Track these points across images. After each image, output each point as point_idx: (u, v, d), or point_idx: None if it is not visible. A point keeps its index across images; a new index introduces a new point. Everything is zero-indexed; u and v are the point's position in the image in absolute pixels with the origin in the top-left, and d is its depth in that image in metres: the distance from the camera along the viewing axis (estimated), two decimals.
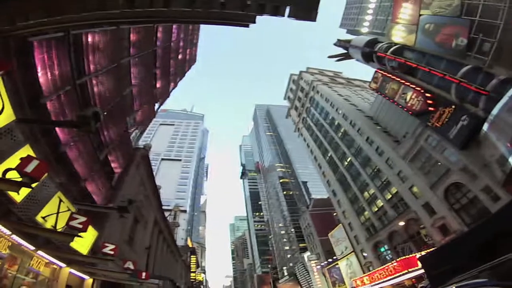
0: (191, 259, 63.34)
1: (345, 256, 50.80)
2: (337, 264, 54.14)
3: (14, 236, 9.21)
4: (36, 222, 9.15)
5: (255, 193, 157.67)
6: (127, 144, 16.46)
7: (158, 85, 18.98)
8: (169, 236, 36.99)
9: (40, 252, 10.55)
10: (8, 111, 6.56)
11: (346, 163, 50.35)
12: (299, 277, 76.44)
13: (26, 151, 7.48)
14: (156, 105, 19.91)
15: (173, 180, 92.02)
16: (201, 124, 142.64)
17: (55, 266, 12.17)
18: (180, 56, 22.01)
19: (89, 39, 10.21)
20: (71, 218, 9.74)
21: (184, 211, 72.79)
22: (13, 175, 6.69)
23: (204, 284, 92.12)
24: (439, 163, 30.67)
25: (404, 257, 31.79)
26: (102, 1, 7.66)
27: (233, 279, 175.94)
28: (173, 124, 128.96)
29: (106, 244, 12.26)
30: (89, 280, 14.45)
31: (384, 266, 35.68)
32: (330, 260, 57.29)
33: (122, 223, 17.76)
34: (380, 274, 35.70)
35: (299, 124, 76.33)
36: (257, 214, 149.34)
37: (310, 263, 68.00)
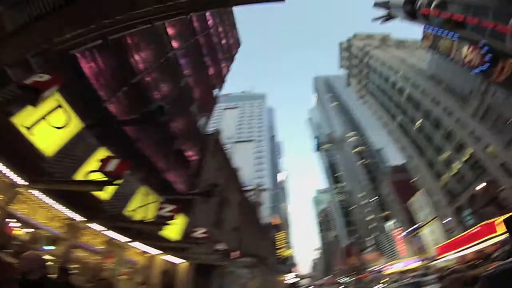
0: (277, 235, 65.04)
1: (427, 223, 48.73)
2: (419, 232, 51.83)
3: (109, 232, 10.07)
4: (126, 216, 9.79)
5: (332, 164, 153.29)
6: (197, 132, 16.88)
7: (210, 72, 19.15)
8: (254, 215, 38.16)
9: (134, 243, 11.42)
10: (75, 120, 6.97)
11: (416, 126, 47.51)
12: (382, 247, 75.06)
13: (102, 153, 7.86)
14: (215, 91, 20.03)
15: (249, 161, 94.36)
16: (264, 103, 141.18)
17: (149, 254, 13.23)
18: (223, 41, 21.91)
19: (129, 40, 10.32)
20: (159, 208, 10.20)
21: (265, 190, 74.30)
22: (96, 177, 7.03)
23: (291, 259, 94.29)
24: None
25: (485, 222, 28.29)
26: (132, 2, 7.49)
27: (321, 252, 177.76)
28: (237, 107, 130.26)
29: (197, 229, 12.71)
30: (183, 264, 15.52)
31: (466, 232, 33.27)
32: (412, 228, 54.66)
33: (208, 207, 18.58)
34: (462, 240, 33.24)
35: (361, 91, 72.95)
36: (337, 185, 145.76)
37: (392, 232, 66.55)
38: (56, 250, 8.79)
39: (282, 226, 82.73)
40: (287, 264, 78.36)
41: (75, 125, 6.99)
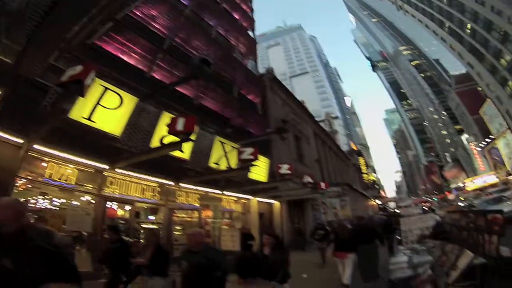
0: (359, 161, 64.20)
1: (501, 134, 45.74)
2: (495, 144, 48.54)
3: (200, 187, 10.57)
4: (212, 169, 10.14)
5: (394, 82, 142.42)
6: (250, 75, 16.23)
7: (235, 16, 17.89)
8: (332, 144, 37.43)
9: (226, 192, 11.90)
10: (127, 97, 7.11)
11: (468, 30, 42.98)
12: (461, 162, 72.22)
13: (167, 117, 7.81)
14: (250, 33, 18.88)
15: (312, 92, 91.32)
16: (303, 33, 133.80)
17: (243, 201, 13.72)
18: None
19: (140, 13, 9.88)
20: (239, 153, 10.20)
21: (336, 118, 72.18)
22: (169, 140, 7.03)
23: (376, 183, 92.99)
24: None
25: None
26: None
27: (402, 174, 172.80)
28: (278, 44, 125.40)
29: (280, 165, 12.52)
30: (276, 204, 15.93)
31: None
32: (487, 140, 51.09)
33: (286, 144, 18.48)
34: None
35: (397, 1, 64.64)
36: (404, 102, 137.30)
37: (469, 145, 64.36)
38: (158, 217, 9.49)
39: (362, 151, 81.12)
40: (374, 188, 77.77)
41: (129, 101, 7.14)
